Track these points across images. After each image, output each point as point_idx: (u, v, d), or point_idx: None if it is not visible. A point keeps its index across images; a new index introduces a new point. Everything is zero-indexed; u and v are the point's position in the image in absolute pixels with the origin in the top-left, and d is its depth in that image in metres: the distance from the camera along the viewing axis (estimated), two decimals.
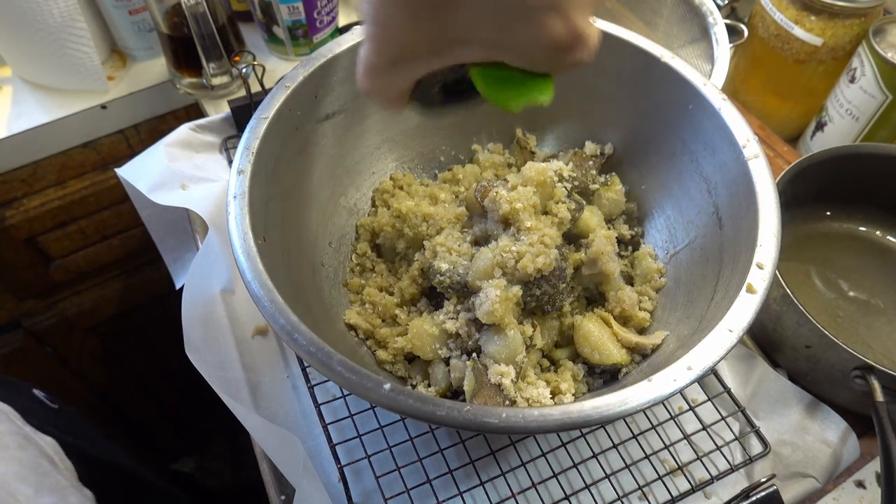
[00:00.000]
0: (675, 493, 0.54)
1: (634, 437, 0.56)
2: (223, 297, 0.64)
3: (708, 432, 0.56)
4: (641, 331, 0.55)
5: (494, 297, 0.47)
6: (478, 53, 0.34)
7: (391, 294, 0.58)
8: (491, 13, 0.32)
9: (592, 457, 0.55)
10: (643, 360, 0.52)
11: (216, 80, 0.86)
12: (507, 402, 0.47)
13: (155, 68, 0.94)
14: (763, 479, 0.52)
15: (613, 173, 0.62)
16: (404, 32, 0.33)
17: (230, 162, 0.77)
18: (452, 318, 0.51)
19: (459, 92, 0.42)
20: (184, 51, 0.84)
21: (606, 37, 0.58)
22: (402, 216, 0.58)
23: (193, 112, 0.98)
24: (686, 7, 0.78)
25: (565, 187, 0.56)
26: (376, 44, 0.34)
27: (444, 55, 0.34)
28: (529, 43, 0.33)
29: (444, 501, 0.53)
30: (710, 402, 0.58)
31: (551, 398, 0.49)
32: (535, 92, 0.38)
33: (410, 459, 0.53)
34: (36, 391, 0.75)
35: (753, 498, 0.51)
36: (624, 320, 0.55)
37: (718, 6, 0.76)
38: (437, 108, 0.43)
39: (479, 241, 0.55)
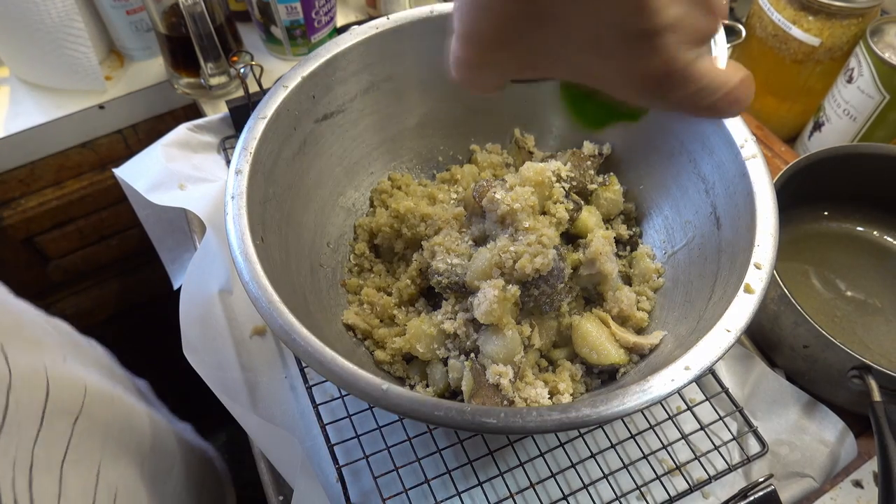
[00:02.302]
0: (673, 493, 0.54)
1: (633, 437, 0.56)
2: (221, 298, 0.64)
3: (706, 432, 0.56)
4: (639, 331, 0.55)
5: (492, 297, 0.47)
6: (566, 73, 0.32)
7: (389, 294, 0.58)
8: (583, 37, 0.29)
9: (591, 457, 0.55)
10: (641, 360, 0.52)
11: (214, 81, 0.86)
12: (506, 403, 0.47)
13: (153, 68, 0.94)
14: (761, 479, 0.52)
15: (611, 173, 0.62)
16: (490, 40, 0.30)
17: (228, 162, 0.77)
18: (450, 319, 0.51)
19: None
20: (182, 51, 0.84)
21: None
22: (400, 216, 0.58)
23: (191, 112, 0.98)
24: None
25: (563, 187, 0.56)
26: (465, 43, 0.32)
27: (530, 69, 0.32)
28: (619, 73, 0.30)
29: (442, 501, 0.53)
30: (708, 402, 0.58)
31: (549, 398, 0.49)
32: (623, 117, 0.35)
33: (409, 460, 0.53)
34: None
35: (751, 498, 0.51)
36: (622, 320, 0.55)
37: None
38: (538, 82, 0.39)
39: (478, 242, 0.55)
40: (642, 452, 0.55)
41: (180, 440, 0.73)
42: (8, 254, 0.98)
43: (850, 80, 0.74)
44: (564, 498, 0.53)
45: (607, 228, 0.59)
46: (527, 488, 0.54)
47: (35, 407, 0.47)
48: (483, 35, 0.30)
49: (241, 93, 0.79)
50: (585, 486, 0.54)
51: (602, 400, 0.39)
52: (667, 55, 0.28)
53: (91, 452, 0.52)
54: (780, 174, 0.64)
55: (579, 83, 0.33)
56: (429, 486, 0.53)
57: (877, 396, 0.53)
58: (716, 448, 0.55)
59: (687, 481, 0.54)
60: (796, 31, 0.77)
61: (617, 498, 0.53)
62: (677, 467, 0.55)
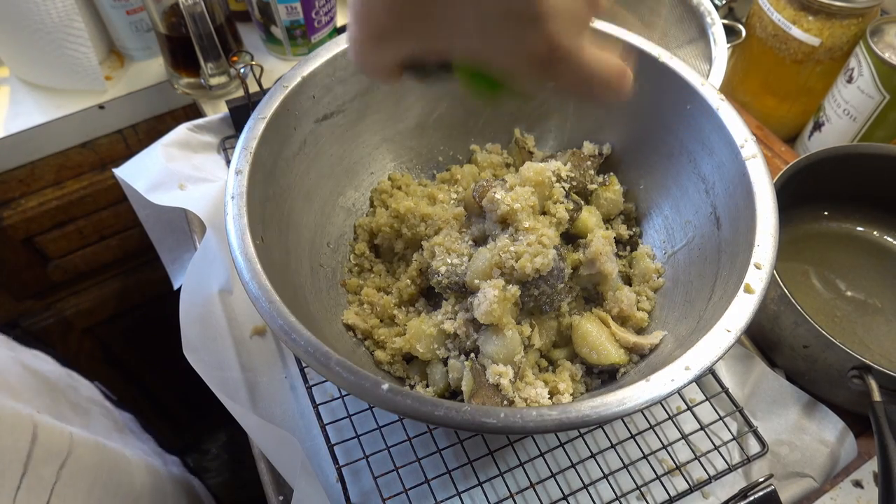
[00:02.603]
0: (672, 493, 0.54)
1: (633, 437, 0.56)
2: (221, 298, 0.64)
3: (706, 432, 0.56)
4: (639, 331, 0.55)
5: (492, 297, 0.47)
6: (458, 52, 0.34)
7: (389, 294, 0.58)
8: (472, 17, 0.31)
9: (591, 457, 0.55)
10: (641, 360, 0.52)
11: (214, 81, 0.86)
12: (506, 403, 0.47)
13: (153, 68, 0.94)
14: (761, 479, 0.52)
15: (611, 173, 0.62)
16: (384, 17, 0.32)
17: (228, 162, 0.77)
18: (450, 319, 0.51)
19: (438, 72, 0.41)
20: (182, 51, 0.84)
21: (604, 37, 0.58)
22: (400, 216, 0.58)
23: (191, 112, 0.98)
24: (684, 7, 0.78)
25: (563, 187, 0.56)
26: (358, 22, 0.33)
27: (425, 46, 0.34)
28: (507, 53, 0.32)
29: (442, 501, 0.53)
30: (708, 402, 0.58)
31: (549, 398, 0.49)
32: (515, 93, 0.38)
33: (409, 460, 0.53)
34: (97, 383, 0.77)
35: (751, 498, 0.51)
36: (622, 320, 0.55)
37: (716, 6, 0.76)
38: (433, 77, 0.41)
39: (478, 242, 0.55)
40: (642, 452, 0.55)
41: (171, 478, 0.72)
42: (8, 254, 0.98)
43: (850, 80, 0.74)
44: (564, 498, 0.53)
45: (607, 228, 0.59)
46: (527, 488, 0.54)
47: (19, 453, 0.46)
48: (376, 14, 0.32)
49: (241, 93, 0.79)
50: (585, 486, 0.54)
51: (602, 400, 0.39)
52: (551, 39, 0.31)
53: (75, 498, 0.52)
54: (780, 174, 0.64)
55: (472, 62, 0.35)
56: (429, 486, 0.53)
57: (877, 396, 0.53)
58: (716, 448, 0.55)
59: (687, 481, 0.54)
60: (796, 31, 0.77)
61: (617, 498, 0.53)
62: (677, 467, 0.55)
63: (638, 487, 0.54)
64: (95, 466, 0.56)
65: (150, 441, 0.78)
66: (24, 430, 0.47)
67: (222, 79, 0.86)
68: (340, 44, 0.57)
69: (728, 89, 0.92)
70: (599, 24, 0.58)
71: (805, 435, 0.58)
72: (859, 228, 0.73)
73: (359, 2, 0.32)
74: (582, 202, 0.58)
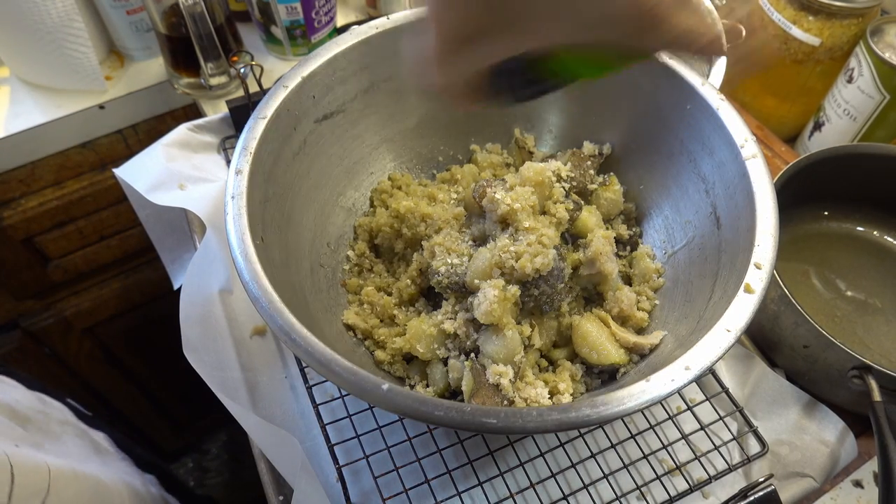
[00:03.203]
0: (673, 493, 0.54)
1: (633, 437, 0.56)
2: (221, 298, 0.64)
3: (706, 432, 0.56)
4: (640, 331, 0.55)
5: (493, 296, 0.47)
6: (552, 34, 0.32)
7: (389, 294, 0.58)
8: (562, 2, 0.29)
9: (591, 457, 0.55)
10: (641, 359, 0.52)
11: (214, 81, 0.86)
12: (506, 403, 0.47)
13: (153, 68, 0.94)
14: (761, 479, 0.52)
15: (611, 173, 0.62)
16: (471, 8, 0.29)
17: (228, 162, 0.77)
18: (451, 319, 0.51)
19: (531, 81, 0.39)
20: (182, 51, 0.84)
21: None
22: (400, 216, 0.58)
23: (191, 112, 0.98)
24: None
25: (563, 187, 0.56)
26: (440, 24, 0.30)
27: (515, 37, 0.31)
28: (599, 20, 0.30)
29: (442, 501, 0.53)
30: (708, 401, 0.58)
31: (549, 398, 0.49)
32: (616, 65, 0.37)
33: (409, 460, 0.53)
34: (69, 400, 0.76)
35: (751, 498, 0.51)
36: (622, 320, 0.55)
37: (717, 6, 0.76)
38: (510, 100, 0.39)
39: (478, 242, 0.55)
40: (642, 452, 0.55)
41: (151, 498, 0.72)
42: (8, 254, 0.98)
43: (850, 80, 0.74)
44: (564, 498, 0.53)
45: (607, 228, 0.59)
46: (527, 488, 0.54)
47: (1, 496, 0.46)
48: (461, 7, 0.29)
49: (241, 93, 0.79)
50: (585, 486, 0.53)
51: (602, 400, 0.39)
52: (643, 4, 0.30)
53: None
54: (780, 174, 0.64)
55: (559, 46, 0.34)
56: (429, 486, 0.53)
57: (877, 396, 0.53)
58: (716, 448, 0.55)
59: (687, 481, 0.54)
60: (796, 31, 0.77)
61: (617, 498, 0.53)
62: (677, 467, 0.55)
63: (638, 487, 0.54)
64: (76, 497, 0.55)
65: (128, 459, 0.77)
66: (2, 471, 0.47)
67: (222, 79, 0.86)
68: (340, 44, 0.57)
69: (728, 89, 0.92)
70: None
71: (805, 435, 0.58)
72: (859, 228, 0.73)
73: (440, 5, 0.29)
74: (582, 202, 0.58)
